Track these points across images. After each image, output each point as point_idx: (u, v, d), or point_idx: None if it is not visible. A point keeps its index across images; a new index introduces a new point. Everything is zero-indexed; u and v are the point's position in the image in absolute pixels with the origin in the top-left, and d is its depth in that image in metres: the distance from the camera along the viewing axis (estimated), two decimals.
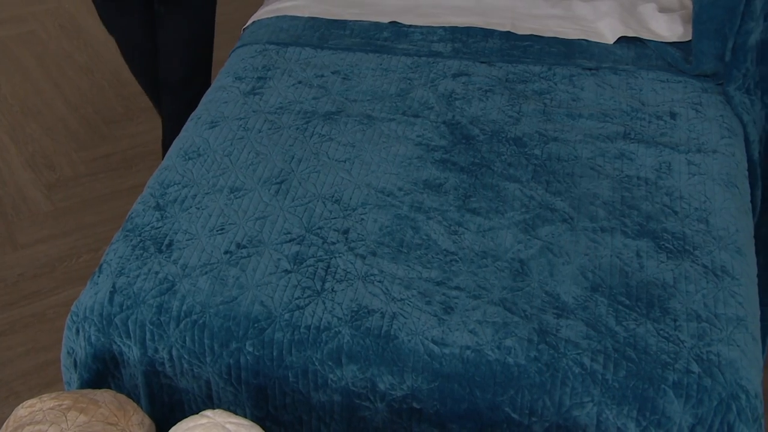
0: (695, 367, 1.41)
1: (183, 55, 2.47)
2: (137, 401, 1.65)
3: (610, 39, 2.25)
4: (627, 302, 1.53)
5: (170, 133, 2.64)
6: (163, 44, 2.44)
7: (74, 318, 1.62)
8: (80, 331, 1.61)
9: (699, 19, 2.13)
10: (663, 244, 1.65)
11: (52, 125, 3.18)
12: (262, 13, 2.46)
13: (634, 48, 2.22)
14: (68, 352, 1.66)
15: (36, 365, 2.28)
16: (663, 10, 2.34)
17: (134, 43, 2.46)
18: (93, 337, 1.60)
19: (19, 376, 2.25)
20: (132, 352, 1.59)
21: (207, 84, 2.63)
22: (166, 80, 2.53)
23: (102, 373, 1.63)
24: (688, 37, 2.22)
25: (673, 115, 2.00)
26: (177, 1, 2.32)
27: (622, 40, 2.25)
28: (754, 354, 1.45)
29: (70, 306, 2.46)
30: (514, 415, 1.47)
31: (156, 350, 1.58)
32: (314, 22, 2.36)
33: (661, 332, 1.47)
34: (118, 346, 1.60)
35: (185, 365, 1.58)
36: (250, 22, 2.46)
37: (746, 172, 1.90)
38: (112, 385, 1.65)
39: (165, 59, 2.48)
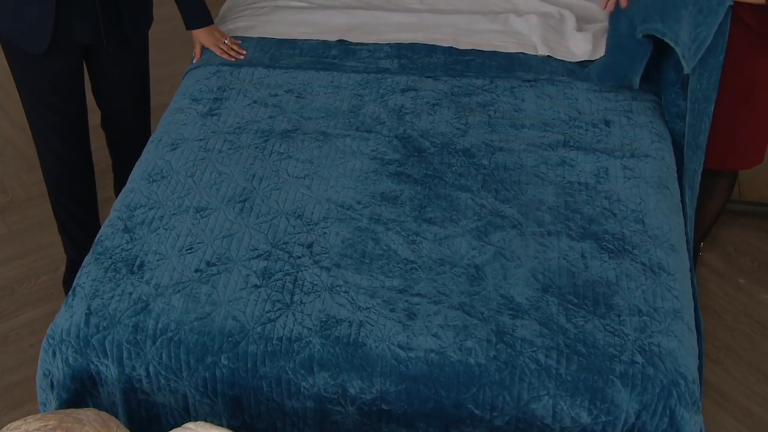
0: (639, 358, 1.55)
1: (131, 90, 2.37)
2: (115, 417, 1.71)
3: (542, 52, 2.39)
4: (575, 301, 1.66)
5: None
6: (112, 82, 2.33)
7: (50, 341, 1.67)
8: (57, 353, 1.67)
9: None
10: (605, 245, 1.78)
11: (0, 148, 3.18)
12: None
13: (567, 61, 2.36)
14: (44, 374, 1.71)
15: (2, 388, 2.30)
16: (585, 21, 2.48)
17: (70, 94, 2.28)
18: (70, 359, 1.65)
19: None
20: (109, 371, 1.65)
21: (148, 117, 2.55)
22: (113, 118, 2.43)
23: (80, 392, 1.68)
24: (595, 56, 2.36)
25: (607, 123, 2.14)
26: (126, 41, 2.23)
27: None
28: (690, 343, 1.60)
29: (32, 327, 2.48)
30: (477, 411, 1.58)
31: (133, 368, 1.64)
32: (264, 43, 2.44)
33: (607, 327, 1.60)
34: (96, 365, 1.66)
35: (162, 381, 1.65)
36: None
37: (675, 174, 2.05)
38: (90, 403, 1.71)
39: (113, 96, 2.37)
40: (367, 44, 2.44)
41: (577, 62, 2.35)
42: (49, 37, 2.10)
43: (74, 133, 2.38)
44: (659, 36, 2.08)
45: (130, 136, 2.50)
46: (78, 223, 2.54)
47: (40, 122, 2.32)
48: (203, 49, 2.42)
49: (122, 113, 2.44)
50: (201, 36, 2.38)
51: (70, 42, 2.17)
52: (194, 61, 2.40)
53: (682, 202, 2.16)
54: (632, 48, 2.18)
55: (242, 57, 2.37)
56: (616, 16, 2.26)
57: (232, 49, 2.39)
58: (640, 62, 2.18)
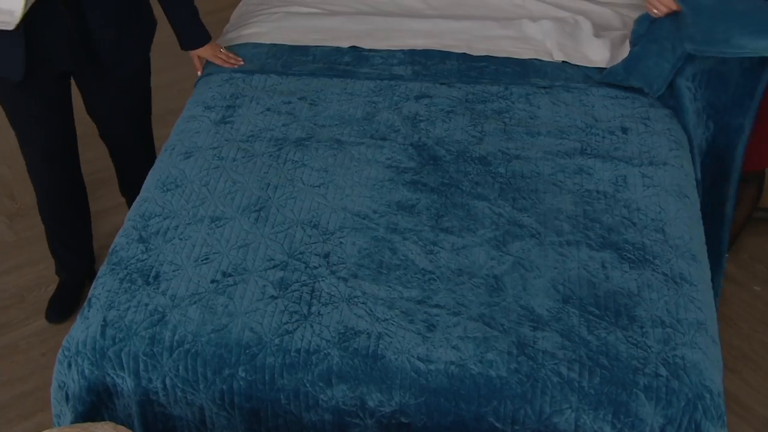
0: (663, 371, 1.53)
1: (124, 117, 2.32)
2: (132, 431, 1.69)
3: (558, 58, 2.37)
4: (596, 312, 1.64)
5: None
6: (102, 107, 2.28)
7: (66, 352, 1.65)
8: (72, 364, 1.65)
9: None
10: (625, 255, 1.76)
11: (8, 154, 3.16)
12: (223, 42, 2.51)
13: (584, 66, 2.34)
14: (59, 386, 1.70)
15: (13, 397, 2.29)
16: (601, 29, 2.46)
17: (52, 131, 2.25)
18: (86, 371, 1.63)
19: None
20: (126, 383, 1.64)
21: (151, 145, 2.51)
22: (109, 138, 2.40)
23: (96, 405, 1.66)
24: (613, 63, 2.35)
25: (624, 130, 2.12)
26: (107, 70, 2.15)
27: None
28: (715, 355, 1.58)
29: (42, 336, 2.47)
30: (498, 425, 1.56)
31: (150, 380, 1.62)
32: (276, 49, 2.42)
33: (629, 339, 1.58)
34: (112, 378, 1.64)
35: (179, 393, 1.63)
36: None
37: (694, 182, 2.03)
38: (105, 416, 1.69)
39: (105, 122, 2.34)
40: (380, 50, 2.42)
41: (595, 68, 2.33)
42: (24, 65, 2.03)
43: (60, 161, 2.32)
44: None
45: (129, 156, 2.47)
46: (66, 246, 2.50)
47: (26, 147, 2.28)
48: (201, 60, 2.38)
49: (117, 136, 2.40)
50: (199, 52, 2.34)
51: (49, 69, 2.10)
52: (198, 73, 2.37)
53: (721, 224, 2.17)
54: (666, 48, 2.16)
55: (242, 63, 2.35)
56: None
57: (230, 58, 2.35)
58: (671, 66, 2.15)
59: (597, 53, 2.34)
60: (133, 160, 2.47)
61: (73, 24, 2.04)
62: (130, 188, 2.59)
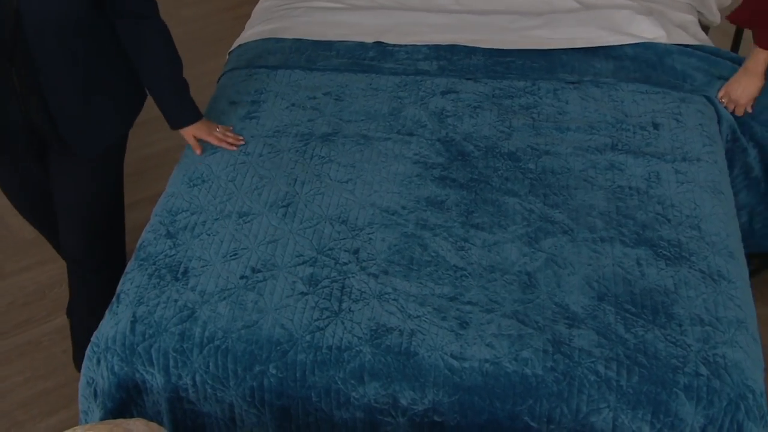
0: (703, 370, 1.50)
1: (83, 224, 1.97)
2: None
3: (590, 46, 2.33)
4: (633, 309, 1.61)
5: (79, 310, 2.17)
6: (61, 210, 1.96)
7: (95, 348, 1.64)
8: (102, 361, 1.63)
9: None
10: (660, 252, 1.73)
11: None
12: (246, 37, 2.50)
13: (613, 61, 2.31)
14: (88, 382, 1.68)
15: (36, 394, 2.27)
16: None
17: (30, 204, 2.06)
18: (116, 367, 1.62)
19: (19, 406, 2.24)
20: (155, 379, 1.62)
21: (120, 261, 2.11)
22: (69, 254, 2.05)
23: (125, 401, 1.65)
24: (670, 40, 2.32)
25: (656, 126, 2.09)
26: (76, 159, 1.87)
27: (600, 52, 2.33)
28: (756, 354, 1.55)
29: (64, 333, 2.45)
30: (533, 424, 1.53)
31: (180, 377, 1.60)
32: (300, 44, 2.40)
33: (668, 337, 1.55)
34: (141, 374, 1.62)
35: (209, 390, 1.61)
36: (235, 45, 2.49)
37: (728, 178, 2.00)
38: (134, 412, 1.67)
39: (64, 229, 1.99)
40: (405, 45, 2.40)
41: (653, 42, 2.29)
42: None
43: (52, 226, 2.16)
44: None
45: (89, 257, 2.03)
46: None
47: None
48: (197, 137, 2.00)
49: (68, 239, 2.00)
50: (192, 130, 1.97)
51: (13, 151, 1.85)
52: (198, 153, 1.98)
53: None
54: None
55: (242, 143, 2.01)
56: None
57: (228, 137, 2.00)
58: None
59: (648, 30, 2.31)
60: (94, 264, 2.05)
61: (31, 106, 1.75)
62: (82, 304, 2.16)
